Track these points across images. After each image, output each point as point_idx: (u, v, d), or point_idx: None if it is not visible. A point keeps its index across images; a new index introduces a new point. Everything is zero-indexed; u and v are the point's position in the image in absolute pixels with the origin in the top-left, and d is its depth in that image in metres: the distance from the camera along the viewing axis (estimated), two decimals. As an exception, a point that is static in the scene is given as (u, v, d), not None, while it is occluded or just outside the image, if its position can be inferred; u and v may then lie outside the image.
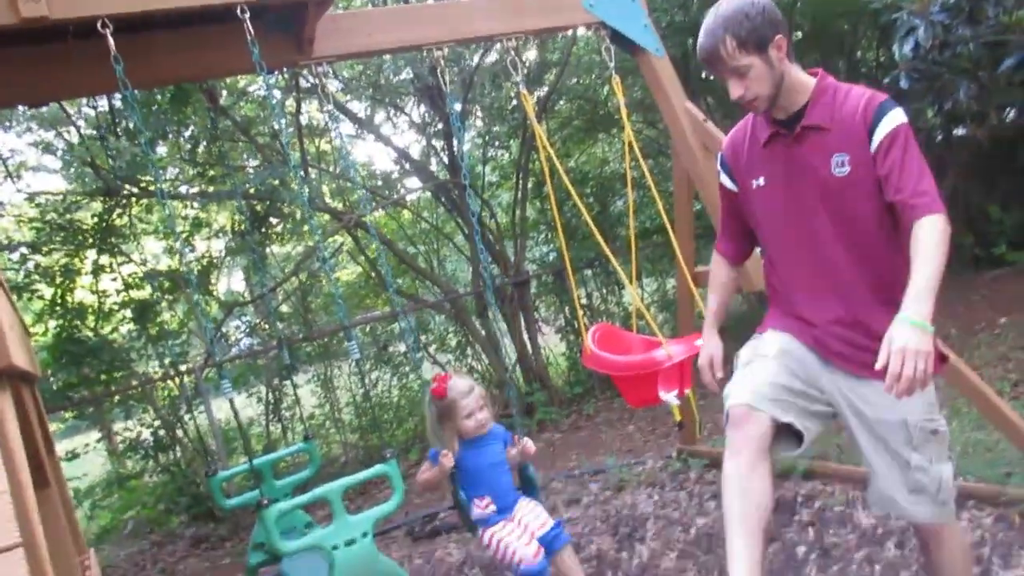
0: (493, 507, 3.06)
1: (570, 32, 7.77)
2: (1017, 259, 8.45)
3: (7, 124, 6.97)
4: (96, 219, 7.19)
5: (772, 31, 2.14)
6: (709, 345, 2.57)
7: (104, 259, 7.17)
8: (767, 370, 2.24)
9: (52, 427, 4.62)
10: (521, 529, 3.03)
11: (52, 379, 6.65)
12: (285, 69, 6.46)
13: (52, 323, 6.99)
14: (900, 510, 2.27)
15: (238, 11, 2.99)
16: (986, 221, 9.02)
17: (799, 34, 9.00)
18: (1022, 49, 4.35)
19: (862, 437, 2.27)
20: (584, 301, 9.10)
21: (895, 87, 4.80)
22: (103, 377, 6.99)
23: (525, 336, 8.60)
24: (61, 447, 6.80)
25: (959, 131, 8.71)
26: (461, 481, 3.06)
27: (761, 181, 2.32)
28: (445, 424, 3.03)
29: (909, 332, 1.87)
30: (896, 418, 2.18)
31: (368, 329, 8.80)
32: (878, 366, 1.91)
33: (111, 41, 2.81)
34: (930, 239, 1.99)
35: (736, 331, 8.84)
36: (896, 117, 2.11)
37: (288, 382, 7.35)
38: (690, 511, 4.18)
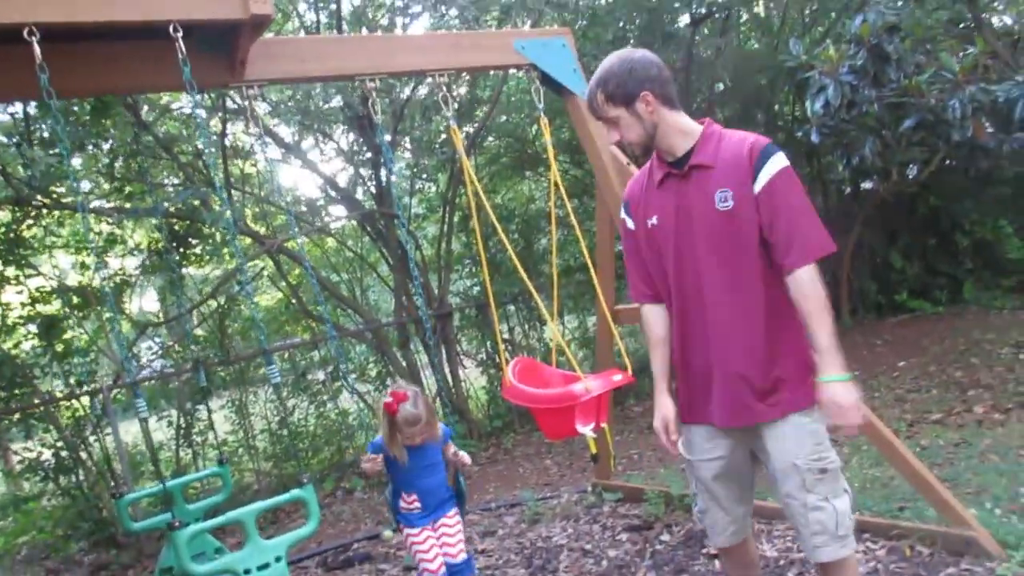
0: (418, 505, 3.24)
1: (502, 72, 7.94)
2: (917, 306, 8.94)
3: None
4: (3, 229, 6.91)
5: (638, 88, 2.33)
6: (661, 407, 2.54)
7: (10, 271, 6.88)
8: (722, 514, 2.55)
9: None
10: (438, 544, 3.24)
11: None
12: (209, 92, 6.40)
13: (-51, 336, 6.67)
14: (810, 554, 2.39)
15: (171, 29, 2.97)
16: (889, 270, 9.53)
17: (720, 86, 9.41)
18: (920, 111, 4.67)
19: (773, 488, 2.46)
20: (506, 336, 9.17)
21: (807, 141, 5.07)
22: (2, 394, 6.66)
23: (446, 368, 8.60)
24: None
25: (866, 184, 9.22)
26: (394, 475, 3.24)
27: (655, 220, 2.44)
28: (392, 435, 3.16)
29: (843, 388, 2.19)
30: (786, 464, 2.32)
31: (287, 356, 8.67)
32: (829, 420, 2.25)
33: (37, 49, 2.76)
34: (815, 291, 2.22)
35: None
36: (778, 161, 2.25)
37: (201, 406, 7.16)
38: (603, 543, 4.25)
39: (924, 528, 3.40)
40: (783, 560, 3.52)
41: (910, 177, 8.02)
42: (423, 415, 3.14)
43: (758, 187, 2.25)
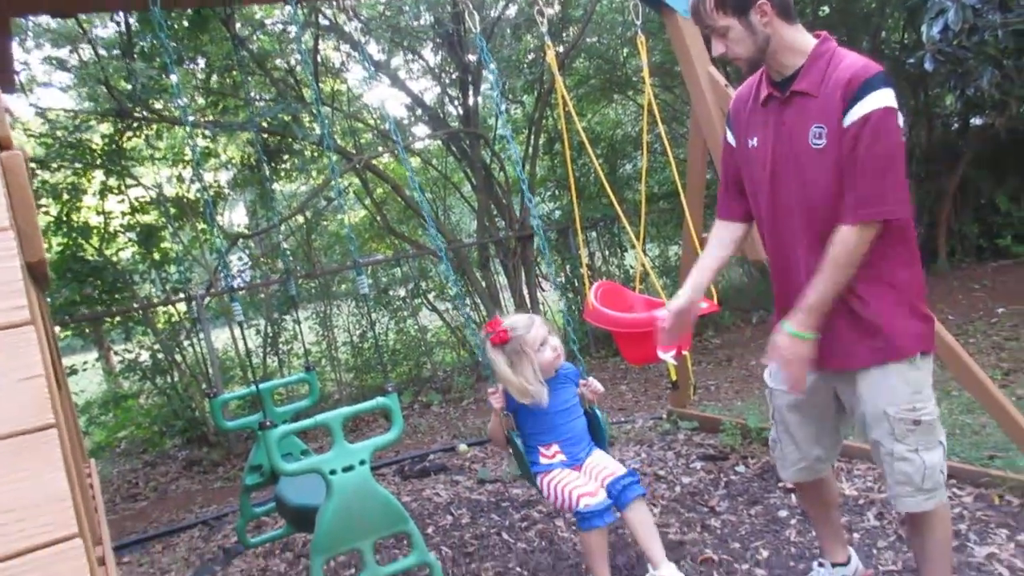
0: (562, 456, 2.81)
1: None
2: (1021, 251, 8.50)
3: (19, 37, 6.90)
4: (105, 140, 7.17)
5: None
6: (678, 297, 2.40)
7: (112, 181, 7.16)
8: (793, 448, 2.49)
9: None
10: (585, 476, 2.78)
11: (53, 296, 6.68)
12: (305, 3, 6.41)
13: (56, 240, 7.02)
14: (893, 502, 2.28)
15: (270, -65, 2.96)
16: (994, 212, 9.05)
17: (825, 9, 8.92)
18: (1050, 39, 4.33)
19: (861, 431, 2.34)
20: (586, 261, 9.14)
21: (919, 68, 4.77)
22: (104, 297, 7.02)
23: (525, 291, 8.65)
24: (59, 363, 6.84)
25: (976, 120, 8.69)
26: (525, 427, 2.85)
27: (755, 142, 2.26)
28: (524, 367, 2.70)
29: (788, 342, 2.13)
30: (877, 410, 2.18)
31: (370, 271, 8.84)
32: (766, 360, 2.25)
33: (142, -44, 2.79)
34: (850, 251, 2.05)
35: (737, 301, 8.92)
36: (878, 99, 1.98)
37: (288, 316, 7.41)
38: (676, 470, 4.26)
39: (1016, 478, 3.30)
40: (863, 499, 3.47)
41: (1026, 113, 7.51)
42: (532, 316, 2.83)
43: (847, 121, 2.01)
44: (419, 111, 9.07)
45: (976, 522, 3.11)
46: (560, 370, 2.87)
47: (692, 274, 2.45)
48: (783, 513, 3.49)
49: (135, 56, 6.61)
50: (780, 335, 2.14)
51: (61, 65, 7.14)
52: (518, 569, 3.37)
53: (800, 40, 2.17)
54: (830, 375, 2.30)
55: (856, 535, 3.17)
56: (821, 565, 2.73)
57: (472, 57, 8.20)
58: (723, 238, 2.47)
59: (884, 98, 1.99)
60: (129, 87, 6.70)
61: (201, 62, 7.53)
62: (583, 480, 2.72)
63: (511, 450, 2.92)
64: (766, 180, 2.24)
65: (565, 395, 2.86)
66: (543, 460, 2.82)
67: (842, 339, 2.19)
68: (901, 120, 2.06)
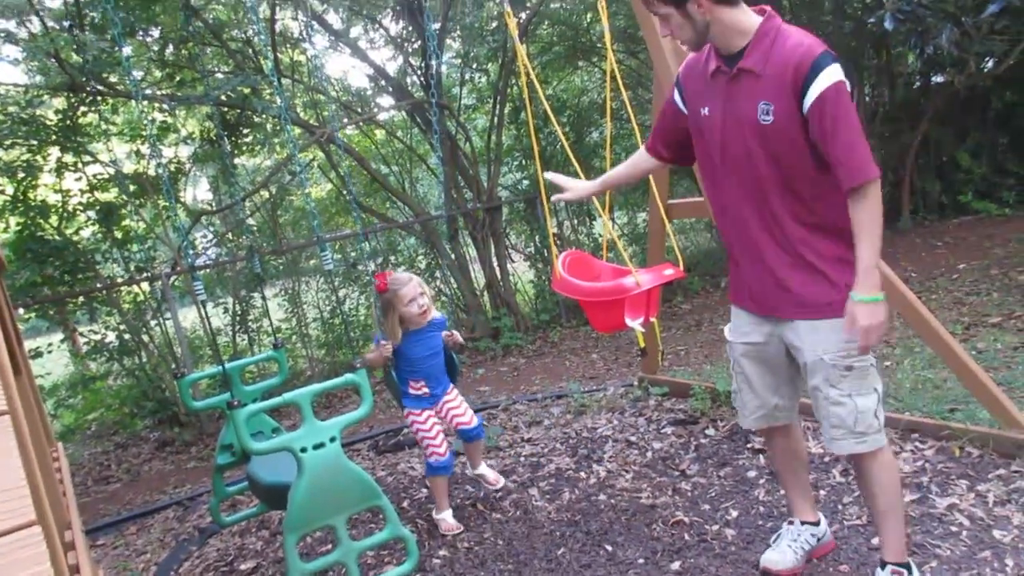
0: (426, 390, 3.50)
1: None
2: (982, 208, 8.64)
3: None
4: (59, 116, 6.99)
5: None
6: (578, 186, 3.02)
7: (68, 158, 6.99)
8: (752, 396, 2.61)
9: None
10: (442, 422, 3.51)
11: (14, 277, 6.54)
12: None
13: (13, 220, 6.86)
14: (828, 445, 2.42)
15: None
16: (955, 169, 9.17)
17: (787, -30, 8.90)
18: (1006, -3, 4.36)
19: (804, 382, 2.48)
20: (555, 230, 9.14)
21: (880, 27, 4.79)
22: (66, 278, 6.89)
23: (495, 262, 8.64)
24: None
25: (937, 78, 8.78)
26: (400, 365, 3.48)
27: (707, 111, 2.36)
28: (389, 315, 3.35)
29: (865, 310, 2.15)
30: (815, 357, 2.33)
31: (338, 247, 8.77)
32: (845, 334, 2.22)
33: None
34: (868, 211, 2.13)
35: (705, 265, 8.99)
36: (832, 74, 2.08)
37: (256, 293, 7.34)
38: (647, 436, 4.31)
39: (975, 430, 3.38)
40: (828, 457, 3.53)
41: (985, 70, 7.57)
42: (412, 276, 3.40)
43: (807, 102, 2.11)
44: (382, 82, 8.94)
45: (937, 474, 3.19)
46: (433, 320, 3.47)
47: (603, 177, 2.94)
48: (752, 474, 3.55)
49: (86, 28, 6.42)
50: (856, 306, 2.16)
51: (9, 38, 6.92)
52: (493, 539, 3.40)
53: (743, 21, 2.23)
54: (782, 325, 2.42)
55: (822, 492, 3.24)
56: (791, 523, 2.78)
57: (435, 25, 8.08)
58: (638, 164, 2.80)
59: (834, 74, 2.09)
60: (81, 60, 6.51)
61: (155, 33, 7.34)
62: (439, 439, 3.44)
63: (386, 378, 3.62)
64: (716, 148, 2.35)
65: (434, 342, 3.49)
66: (411, 391, 3.49)
67: (782, 297, 2.35)
68: (848, 86, 2.15)
